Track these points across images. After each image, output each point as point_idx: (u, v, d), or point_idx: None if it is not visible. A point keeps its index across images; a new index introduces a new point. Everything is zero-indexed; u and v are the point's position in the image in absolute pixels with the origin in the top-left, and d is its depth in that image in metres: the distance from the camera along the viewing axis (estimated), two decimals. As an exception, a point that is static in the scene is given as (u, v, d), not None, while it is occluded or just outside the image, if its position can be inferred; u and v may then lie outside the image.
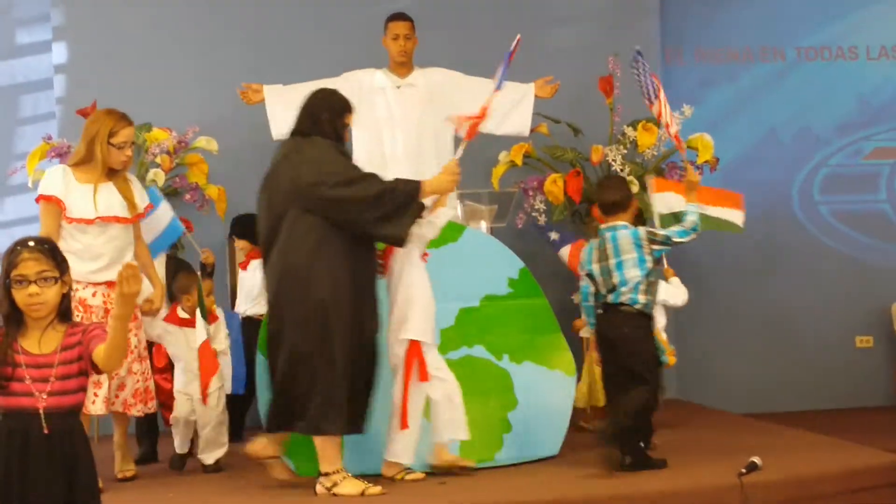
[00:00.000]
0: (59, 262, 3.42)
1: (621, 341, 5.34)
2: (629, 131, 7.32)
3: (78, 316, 5.00)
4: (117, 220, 5.38)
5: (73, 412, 3.42)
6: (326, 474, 5.01)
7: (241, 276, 7.00)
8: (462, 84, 6.86)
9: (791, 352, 8.42)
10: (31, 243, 3.40)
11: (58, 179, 5.37)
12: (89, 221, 5.31)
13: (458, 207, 6.46)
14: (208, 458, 5.78)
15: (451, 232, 5.79)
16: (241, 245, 6.99)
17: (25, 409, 3.34)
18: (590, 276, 5.48)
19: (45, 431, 3.33)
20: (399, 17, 6.79)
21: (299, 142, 5.22)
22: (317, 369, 4.92)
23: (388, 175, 6.52)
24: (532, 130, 7.03)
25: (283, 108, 6.74)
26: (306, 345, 4.93)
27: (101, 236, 5.36)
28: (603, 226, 5.53)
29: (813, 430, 6.56)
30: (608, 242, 5.41)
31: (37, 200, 5.41)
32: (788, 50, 8.70)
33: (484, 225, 6.52)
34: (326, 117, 5.26)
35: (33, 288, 3.34)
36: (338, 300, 4.94)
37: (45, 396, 3.35)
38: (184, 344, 5.78)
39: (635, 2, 8.22)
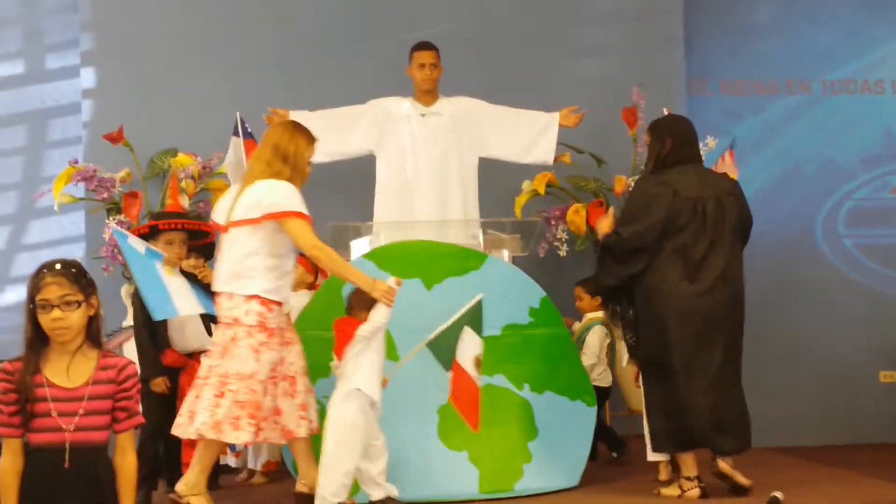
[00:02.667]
0: (84, 286, 3.38)
1: None
2: (652, 162, 7.31)
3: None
4: None
5: (99, 447, 3.38)
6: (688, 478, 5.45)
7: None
8: (487, 113, 6.89)
9: (814, 386, 8.36)
10: (58, 266, 3.37)
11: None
12: None
13: (480, 236, 6.46)
14: None
15: (473, 260, 5.80)
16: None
17: (52, 445, 3.30)
18: None
19: (66, 465, 3.29)
20: (424, 46, 6.82)
21: (724, 178, 5.79)
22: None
23: (411, 202, 6.52)
24: (555, 160, 7.04)
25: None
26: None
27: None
28: None
29: (835, 465, 6.51)
30: None
31: (294, 216, 5.10)
32: (814, 83, 8.68)
33: (506, 254, 6.51)
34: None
35: (56, 312, 3.30)
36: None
37: (72, 430, 3.31)
38: None
39: (660, 32, 8.22)
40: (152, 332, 5.67)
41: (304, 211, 5.12)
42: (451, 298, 5.58)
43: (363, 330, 4.99)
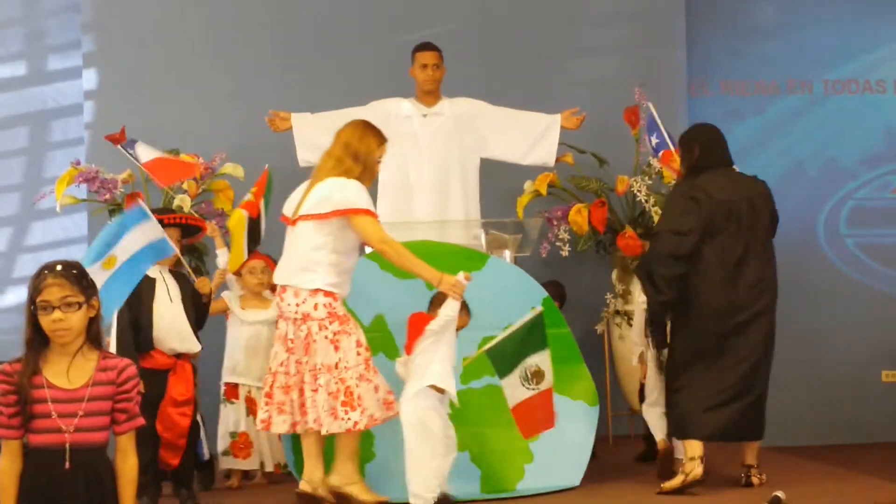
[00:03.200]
0: (85, 287, 3.37)
1: None
2: (654, 162, 7.32)
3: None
4: None
5: (99, 448, 3.38)
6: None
7: None
8: (489, 114, 6.90)
9: (816, 385, 8.35)
10: (59, 268, 3.36)
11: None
12: None
13: (482, 236, 6.47)
14: None
15: (475, 261, 5.80)
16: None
17: (51, 446, 3.30)
18: None
19: (66, 467, 3.29)
20: (426, 46, 6.83)
21: (754, 180, 5.84)
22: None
23: (412, 202, 6.53)
24: (557, 160, 7.05)
25: (310, 136, 6.80)
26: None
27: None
28: None
29: (837, 464, 6.51)
30: None
31: (363, 213, 5.24)
32: (816, 83, 8.67)
33: (508, 254, 6.52)
34: None
35: (57, 314, 3.29)
36: None
37: (71, 431, 3.31)
38: None
39: (661, 33, 8.22)
40: (136, 334, 5.53)
41: (373, 209, 5.28)
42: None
43: (434, 325, 5.11)
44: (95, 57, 7.78)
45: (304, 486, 5.31)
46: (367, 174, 5.39)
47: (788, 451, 7.31)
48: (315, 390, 5.14)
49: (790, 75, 8.63)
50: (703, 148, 5.80)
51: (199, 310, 5.72)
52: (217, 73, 7.82)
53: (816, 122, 8.65)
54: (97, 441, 3.36)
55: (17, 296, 7.54)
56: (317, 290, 5.18)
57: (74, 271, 3.39)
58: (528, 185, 7.46)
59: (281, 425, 5.27)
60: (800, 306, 8.43)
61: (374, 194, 6.82)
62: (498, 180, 7.23)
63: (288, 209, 5.42)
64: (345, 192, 5.24)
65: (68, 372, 3.35)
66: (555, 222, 7.34)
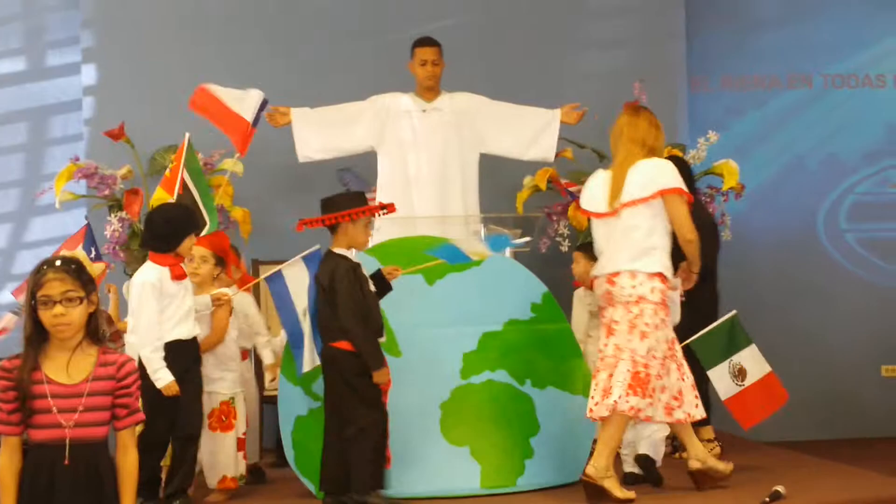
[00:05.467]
0: (86, 283, 3.37)
1: None
2: (654, 158, 7.32)
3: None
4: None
5: (99, 443, 3.38)
6: None
7: None
8: (488, 109, 6.89)
9: (816, 380, 8.35)
10: (58, 263, 3.36)
11: None
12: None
13: (482, 231, 6.47)
14: None
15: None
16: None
17: (51, 442, 3.30)
18: None
19: (66, 462, 3.29)
20: (426, 41, 6.82)
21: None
22: None
23: (412, 197, 6.52)
24: (557, 155, 7.04)
25: (309, 131, 6.80)
26: None
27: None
28: None
29: (837, 459, 6.51)
30: None
31: (680, 193, 5.31)
32: (816, 77, 8.67)
33: (508, 250, 6.52)
34: None
35: (58, 308, 3.30)
36: None
37: (71, 426, 3.31)
38: None
39: (661, 28, 8.22)
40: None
41: (686, 189, 5.35)
42: (452, 294, 5.59)
43: None
44: (95, 53, 7.78)
45: (693, 464, 5.44)
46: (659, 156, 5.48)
47: (789, 445, 7.32)
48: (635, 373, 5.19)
49: (790, 70, 8.64)
50: None
51: None
52: (216, 69, 7.79)
53: (817, 116, 8.66)
54: (97, 436, 3.36)
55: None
56: (655, 274, 5.22)
57: (74, 266, 3.40)
58: (527, 181, 7.46)
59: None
60: (799, 301, 8.45)
61: (372, 189, 6.85)
62: (497, 175, 7.23)
63: (596, 203, 5.39)
64: (664, 172, 5.30)
65: (68, 367, 3.35)
66: (554, 217, 7.34)
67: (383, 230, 6.17)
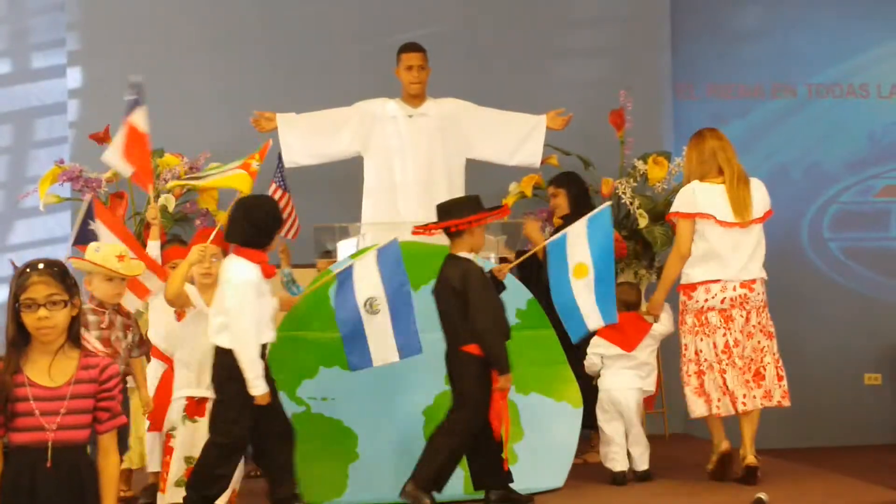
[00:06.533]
0: (69, 286, 3.36)
1: None
2: (639, 164, 7.35)
3: None
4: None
5: (81, 446, 3.36)
6: None
7: None
8: (474, 114, 6.90)
9: (799, 388, 8.31)
10: (41, 266, 3.34)
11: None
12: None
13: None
14: None
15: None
16: None
17: (33, 445, 3.28)
18: None
19: (48, 465, 3.27)
20: (412, 47, 6.82)
21: None
22: None
23: (397, 203, 6.54)
24: (543, 162, 7.06)
25: (295, 137, 6.80)
26: None
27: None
28: None
29: (820, 466, 6.53)
30: None
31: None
32: (800, 87, 8.71)
33: (493, 256, 6.52)
34: None
35: (42, 311, 3.28)
36: None
37: (53, 429, 3.29)
38: None
39: (647, 36, 8.25)
40: None
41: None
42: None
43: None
44: (80, 55, 7.76)
45: (750, 460, 5.76)
46: None
47: (772, 453, 7.32)
48: (765, 367, 5.94)
49: (775, 79, 8.68)
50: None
51: None
52: (202, 73, 7.80)
53: (800, 126, 8.70)
54: (79, 439, 3.35)
55: (1, 295, 7.50)
56: (765, 280, 6.03)
57: (57, 269, 3.38)
58: (513, 187, 7.47)
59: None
60: (783, 309, 8.45)
61: (358, 195, 6.85)
62: (483, 182, 7.22)
63: (726, 213, 5.92)
64: (766, 193, 6.09)
65: (50, 370, 3.34)
66: (540, 224, 7.34)
67: (369, 236, 6.16)
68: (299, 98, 7.26)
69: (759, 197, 5.97)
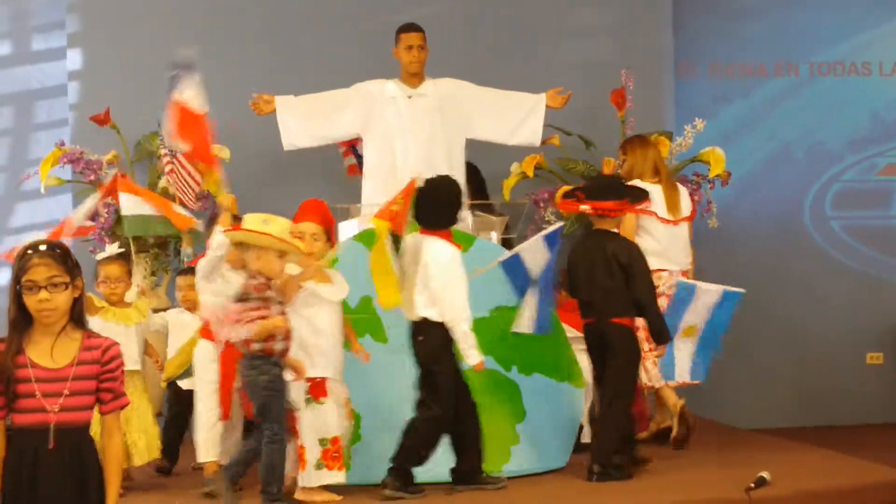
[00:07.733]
0: (71, 267, 3.33)
1: None
2: (641, 144, 7.32)
3: None
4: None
5: (83, 427, 3.36)
6: None
7: None
8: (473, 94, 6.87)
9: (801, 368, 8.39)
10: (43, 247, 3.32)
11: None
12: None
13: (469, 218, 6.46)
14: None
15: (462, 242, 5.78)
16: None
17: (36, 426, 3.28)
18: None
19: (50, 446, 3.27)
20: (411, 27, 6.79)
21: None
22: None
23: (398, 184, 6.54)
24: (544, 142, 7.04)
25: (294, 119, 6.78)
26: None
27: None
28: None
29: (822, 445, 6.54)
30: None
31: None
32: (802, 65, 8.69)
33: (494, 236, 6.52)
34: None
35: (43, 294, 3.27)
36: None
37: (56, 410, 3.29)
38: None
39: (648, 15, 8.22)
40: None
41: None
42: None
43: None
44: (80, 37, 7.74)
45: None
46: None
47: (773, 432, 7.35)
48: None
49: (777, 58, 8.66)
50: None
51: None
52: (202, 54, 7.75)
53: (803, 104, 8.68)
54: (82, 421, 3.35)
55: (2, 277, 7.51)
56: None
57: (59, 251, 3.36)
58: (514, 167, 7.46)
59: None
60: (785, 288, 8.48)
61: (358, 176, 6.84)
62: (485, 162, 7.23)
63: (663, 209, 6.45)
64: None
65: (52, 351, 3.33)
66: (541, 204, 7.34)
67: (370, 217, 6.14)
68: (297, 80, 7.24)
69: (684, 198, 6.62)
